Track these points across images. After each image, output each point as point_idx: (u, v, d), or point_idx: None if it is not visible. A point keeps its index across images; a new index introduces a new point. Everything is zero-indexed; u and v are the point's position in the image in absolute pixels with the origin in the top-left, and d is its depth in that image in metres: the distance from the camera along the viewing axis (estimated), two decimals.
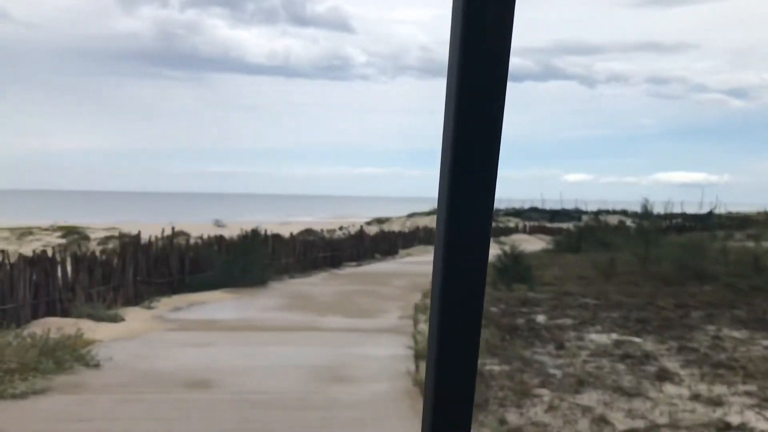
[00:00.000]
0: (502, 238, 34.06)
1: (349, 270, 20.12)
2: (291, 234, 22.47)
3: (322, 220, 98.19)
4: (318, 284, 16.25)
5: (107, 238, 46.78)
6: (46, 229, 56.39)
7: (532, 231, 38.28)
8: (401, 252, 26.79)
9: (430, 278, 0.81)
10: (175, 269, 14.12)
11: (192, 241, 18.06)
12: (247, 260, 14.64)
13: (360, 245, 24.31)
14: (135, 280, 12.86)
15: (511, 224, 42.00)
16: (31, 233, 43.93)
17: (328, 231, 61.63)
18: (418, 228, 30.53)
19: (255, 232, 18.76)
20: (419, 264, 21.49)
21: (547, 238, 36.29)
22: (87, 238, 48.22)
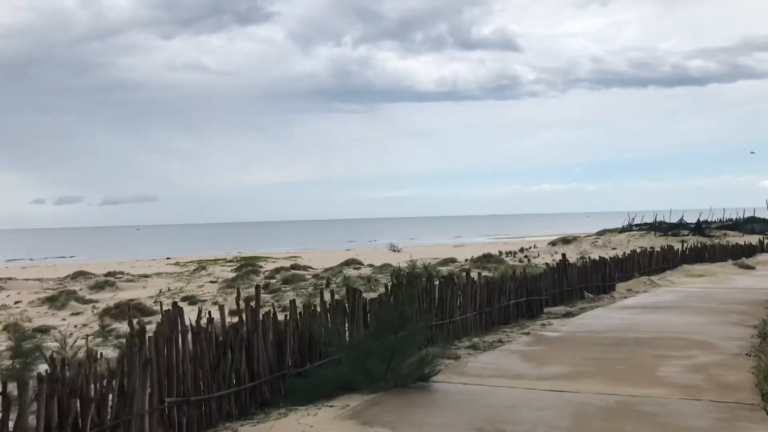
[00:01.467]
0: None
1: (558, 326, 12.90)
2: (466, 264, 15.73)
3: (497, 240, 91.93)
4: (523, 371, 8.69)
5: (278, 270, 42.98)
6: (230, 261, 55.03)
7: None
8: (619, 288, 19.13)
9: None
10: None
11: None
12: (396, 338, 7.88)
13: (561, 279, 17.05)
14: None
15: (753, 241, 32.31)
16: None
17: (509, 253, 54.15)
18: (634, 253, 22.54)
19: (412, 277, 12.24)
20: (658, 310, 13.96)
21: None
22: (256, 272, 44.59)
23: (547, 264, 18.27)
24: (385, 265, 38.57)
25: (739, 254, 26.96)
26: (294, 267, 44.08)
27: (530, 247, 63.79)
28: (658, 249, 24.41)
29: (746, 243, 28.80)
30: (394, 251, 59.55)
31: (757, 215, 54.57)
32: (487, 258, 37.48)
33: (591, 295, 17.58)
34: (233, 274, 40.34)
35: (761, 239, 28.10)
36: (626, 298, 17.33)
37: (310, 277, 35.14)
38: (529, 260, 52.40)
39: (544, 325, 12.97)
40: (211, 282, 37.74)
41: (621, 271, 20.65)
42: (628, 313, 13.95)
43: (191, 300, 27.95)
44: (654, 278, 20.70)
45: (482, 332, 12.24)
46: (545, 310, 15.25)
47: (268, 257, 61.03)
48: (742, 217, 54.75)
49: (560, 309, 15.62)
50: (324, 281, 30.08)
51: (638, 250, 24.76)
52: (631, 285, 19.75)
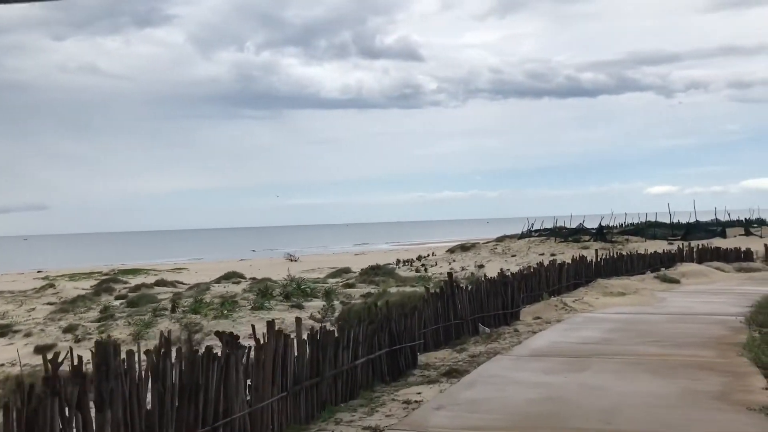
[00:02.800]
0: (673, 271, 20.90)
1: (431, 409, 7.36)
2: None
3: (399, 247, 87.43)
4: None
5: (139, 286, 36.41)
6: (105, 274, 47.48)
7: (701, 257, 24.69)
8: (525, 314, 14.01)
9: None
10: None
11: None
12: None
13: (447, 309, 11.71)
14: None
15: (672, 247, 28.40)
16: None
17: (406, 262, 48.94)
18: (541, 267, 17.64)
19: None
20: (586, 361, 8.75)
21: (730, 267, 22.85)
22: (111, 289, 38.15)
23: (427, 289, 12.88)
24: (265, 279, 33.26)
25: (657, 264, 22.74)
26: (159, 283, 37.78)
27: (429, 255, 59.29)
28: (569, 261, 19.65)
29: (665, 251, 24.68)
30: (291, 260, 55.10)
31: (649, 220, 51.92)
32: (375, 270, 32.12)
33: (488, 330, 12.36)
34: (83, 293, 34.22)
35: (680, 246, 24.08)
36: (535, 333, 12.17)
37: (169, 295, 29.33)
38: (425, 269, 47.83)
39: (407, 403, 7.43)
40: (49, 304, 31.85)
41: (526, 290, 15.65)
42: (542, 371, 8.63)
43: (3, 330, 22.51)
44: (567, 299, 15.81)
45: (297, 427, 6.65)
46: (421, 360, 9.87)
47: (150, 270, 54.39)
48: (643, 221, 51.98)
49: (442, 356, 10.27)
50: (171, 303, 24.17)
51: (544, 261, 20.00)
52: (540, 310, 14.72)
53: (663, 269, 21.92)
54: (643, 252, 23.54)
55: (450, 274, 14.82)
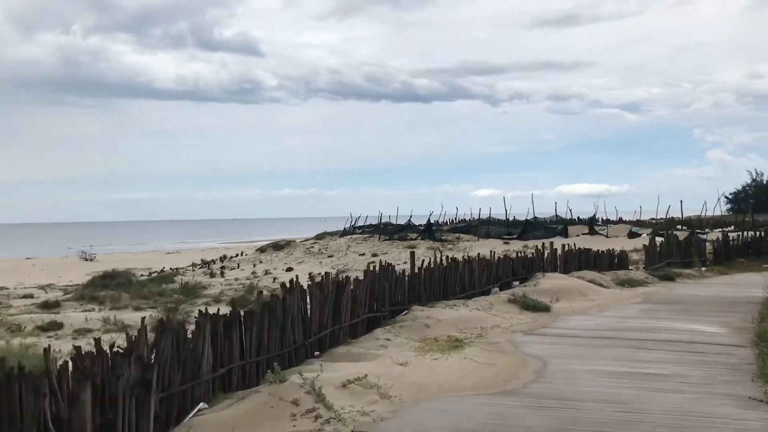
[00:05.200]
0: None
1: None
2: None
3: (223, 245, 76.55)
4: None
5: None
6: None
7: (567, 263, 16.14)
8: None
9: None
10: None
11: None
12: None
13: None
14: None
15: (528, 250, 19.79)
16: None
17: (205, 264, 38.28)
18: (285, 288, 7.44)
19: None
20: None
21: (608, 278, 14.60)
22: None
23: None
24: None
25: (509, 274, 13.90)
26: None
27: (238, 255, 49.35)
28: (361, 275, 9.97)
29: (519, 254, 15.86)
30: (87, 260, 47.92)
31: (482, 217, 44.60)
32: (110, 277, 20.89)
33: None
34: None
35: (538, 247, 15.46)
36: None
37: None
38: (223, 272, 38.95)
39: None
40: None
41: (305, 332, 5.81)
42: None
43: None
44: (365, 368, 6.17)
45: None
46: None
47: None
48: (474, 219, 44.69)
49: None
50: None
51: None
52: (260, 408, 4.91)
53: (520, 285, 13.15)
54: (486, 255, 14.53)
55: None
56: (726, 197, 55.36)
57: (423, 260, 11.86)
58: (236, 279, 32.58)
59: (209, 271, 38.31)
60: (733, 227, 31.48)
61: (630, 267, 18.40)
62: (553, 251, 15.63)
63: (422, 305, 10.03)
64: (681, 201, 31.49)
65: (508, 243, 34.94)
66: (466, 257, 12.45)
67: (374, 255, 38.46)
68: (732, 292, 14.19)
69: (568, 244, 16.82)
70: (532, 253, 15.21)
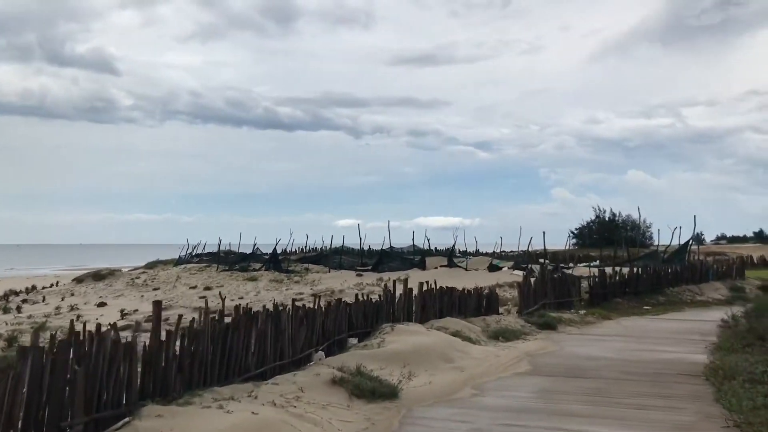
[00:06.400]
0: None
1: None
2: None
3: (54, 272, 67.05)
4: None
5: None
6: None
7: (425, 307, 11.91)
8: None
9: None
10: None
11: None
12: None
13: None
14: None
15: (361, 280, 15.23)
16: None
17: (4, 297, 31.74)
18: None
19: None
20: None
21: (477, 328, 10.45)
22: None
23: None
24: None
25: (343, 328, 9.35)
26: None
27: (52, 284, 41.55)
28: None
29: (363, 299, 11.04)
30: None
31: (336, 246, 40.02)
32: None
33: None
34: None
35: (388, 286, 11.00)
36: None
37: None
38: (20, 308, 32.38)
39: None
40: None
41: None
42: None
43: None
44: None
45: None
46: None
47: None
48: (327, 248, 40.14)
49: None
50: None
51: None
52: None
53: (355, 341, 8.69)
54: (336, 288, 9.91)
55: None
56: (572, 232, 55.29)
57: (192, 317, 7.01)
58: (30, 316, 26.19)
59: (5, 305, 31.21)
60: (598, 261, 29.30)
61: (500, 310, 14.57)
62: (408, 292, 11.28)
63: (159, 404, 5.18)
64: (544, 233, 28.99)
65: (361, 275, 30.80)
66: (271, 311, 7.74)
67: (207, 288, 32.97)
68: (640, 353, 10.54)
69: (427, 281, 12.60)
70: (379, 297, 10.71)
